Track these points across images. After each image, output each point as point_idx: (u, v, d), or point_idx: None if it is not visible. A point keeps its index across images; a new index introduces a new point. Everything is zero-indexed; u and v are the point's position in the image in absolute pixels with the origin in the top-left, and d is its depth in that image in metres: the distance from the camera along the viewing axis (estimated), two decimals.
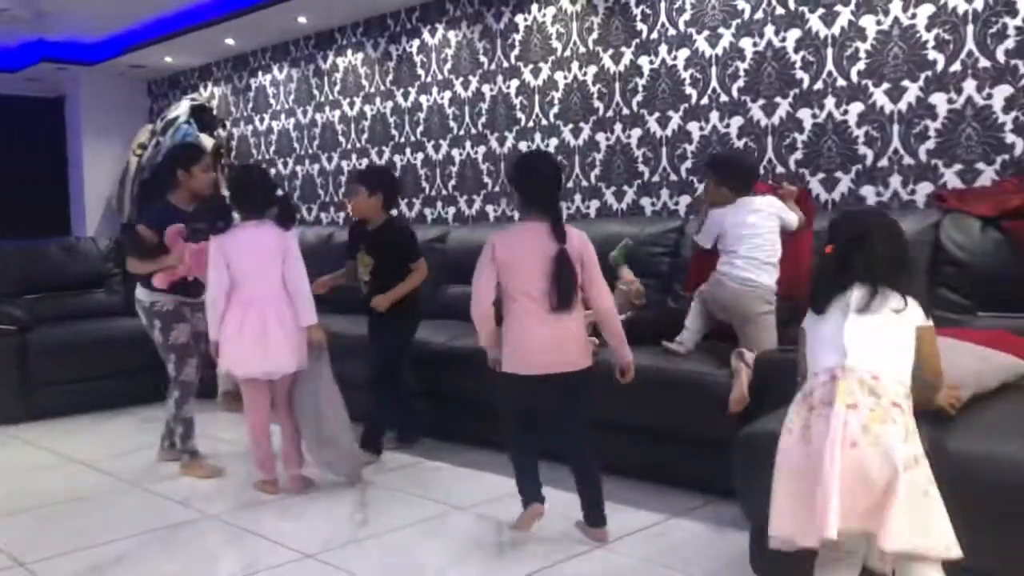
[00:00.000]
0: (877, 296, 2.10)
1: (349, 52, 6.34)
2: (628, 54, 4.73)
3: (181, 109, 7.30)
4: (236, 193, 3.70)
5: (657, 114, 4.64)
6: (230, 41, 6.76)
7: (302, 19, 6.15)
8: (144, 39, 6.80)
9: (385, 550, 2.99)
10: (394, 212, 4.23)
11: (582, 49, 4.94)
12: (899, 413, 1.96)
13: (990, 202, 3.34)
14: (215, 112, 7.49)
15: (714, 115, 4.40)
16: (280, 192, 3.65)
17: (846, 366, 2.02)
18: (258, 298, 3.50)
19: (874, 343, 2.06)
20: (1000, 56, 3.51)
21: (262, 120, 7.16)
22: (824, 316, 2.15)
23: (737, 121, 4.32)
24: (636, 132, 4.73)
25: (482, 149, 5.52)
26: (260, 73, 7.12)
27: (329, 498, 3.56)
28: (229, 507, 3.50)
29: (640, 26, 4.67)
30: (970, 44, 3.58)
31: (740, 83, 4.29)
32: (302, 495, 3.60)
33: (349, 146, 6.43)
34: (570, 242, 2.93)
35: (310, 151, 6.76)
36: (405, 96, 5.98)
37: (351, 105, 6.38)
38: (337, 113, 6.49)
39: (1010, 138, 3.51)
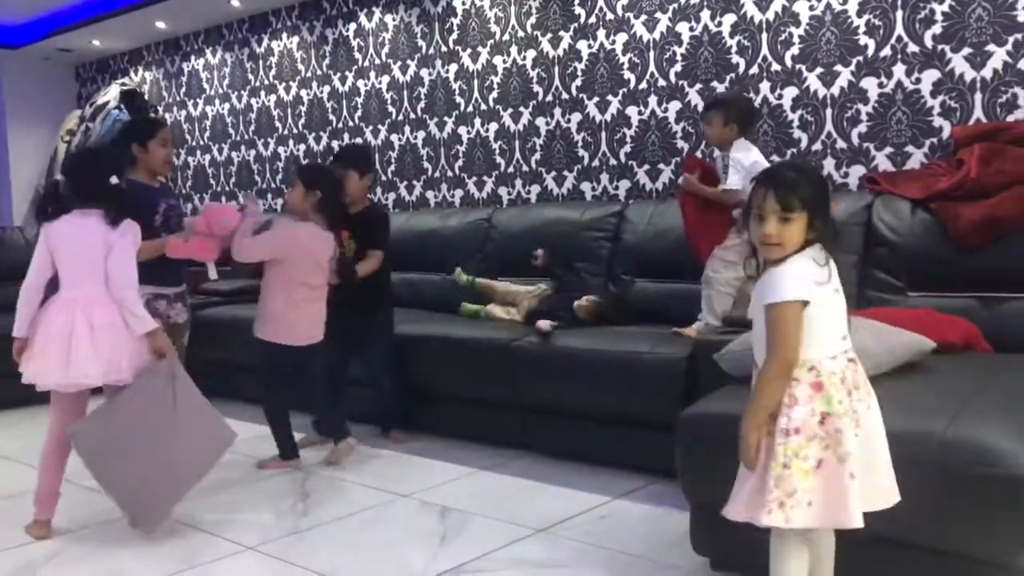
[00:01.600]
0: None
1: (284, 36, 6.22)
2: (567, 38, 4.73)
3: (111, 94, 7.09)
4: (67, 175, 3.18)
5: (596, 98, 4.65)
6: (161, 24, 6.58)
7: (235, 2, 6.01)
8: (71, 21, 6.59)
9: (328, 540, 2.96)
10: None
11: (520, 33, 4.92)
12: None
13: (920, 184, 3.43)
14: (146, 97, 7.29)
15: (652, 99, 4.43)
16: (116, 182, 3.09)
17: (850, 347, 1.98)
18: (71, 299, 2.98)
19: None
20: (928, 41, 3.59)
21: (196, 105, 6.99)
22: (824, 294, 1.93)
23: (675, 105, 4.35)
24: (576, 117, 4.74)
25: (421, 134, 5.47)
26: (193, 57, 6.95)
27: (271, 489, 3.51)
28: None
29: (578, 10, 4.67)
30: (899, 29, 3.66)
31: (678, 67, 4.32)
32: (233, 489, 3.54)
33: (285, 131, 6.32)
34: None
35: (246, 137, 6.63)
36: (342, 81, 5.90)
37: (287, 90, 6.27)
38: (273, 98, 6.38)
39: (938, 121, 3.60)
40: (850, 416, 1.92)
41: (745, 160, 3.36)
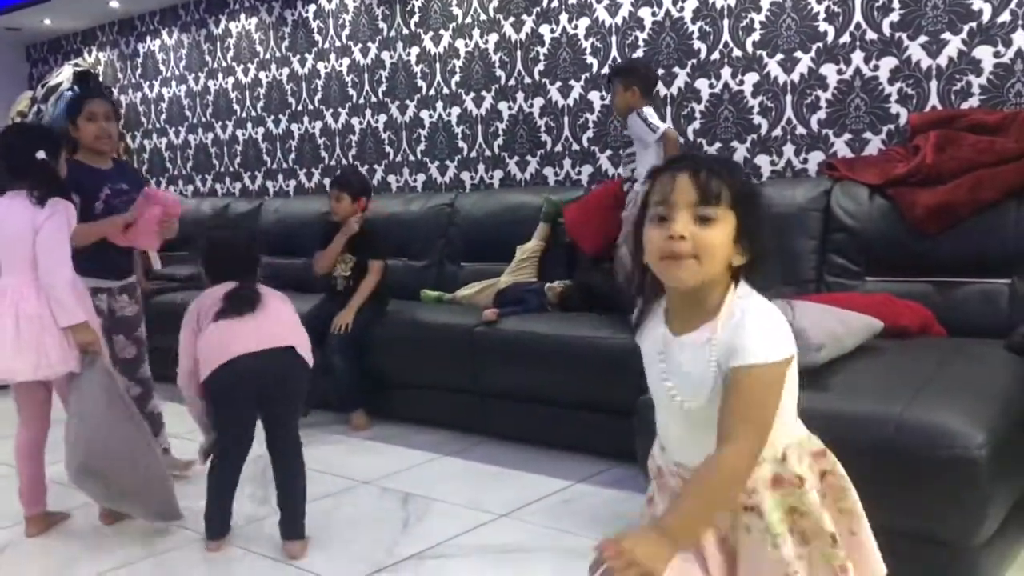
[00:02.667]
0: None
1: (242, 17, 6.12)
2: (529, 22, 4.70)
3: (64, 75, 6.92)
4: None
5: (559, 83, 4.63)
6: (115, 3, 6.43)
7: None
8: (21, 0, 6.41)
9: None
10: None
11: (483, 16, 4.88)
12: None
13: (877, 171, 3.46)
14: (100, 79, 7.13)
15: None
16: (43, 157, 2.88)
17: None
18: (1, 288, 2.83)
19: None
20: (886, 29, 3.63)
21: (151, 87, 6.86)
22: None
23: None
24: (538, 101, 4.72)
25: (383, 118, 5.42)
26: (148, 38, 6.81)
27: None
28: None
29: None
30: (858, 16, 3.69)
31: (640, 53, 4.32)
32: (191, 477, 3.49)
33: (244, 114, 6.22)
34: None
35: (203, 120, 6.51)
36: (302, 63, 5.81)
37: (245, 72, 6.17)
38: (231, 80, 6.27)
39: (895, 108, 3.64)
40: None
41: (651, 116, 3.52)
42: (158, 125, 6.86)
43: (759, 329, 1.31)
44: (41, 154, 2.88)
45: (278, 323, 2.81)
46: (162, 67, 6.75)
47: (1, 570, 2.77)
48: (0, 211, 2.87)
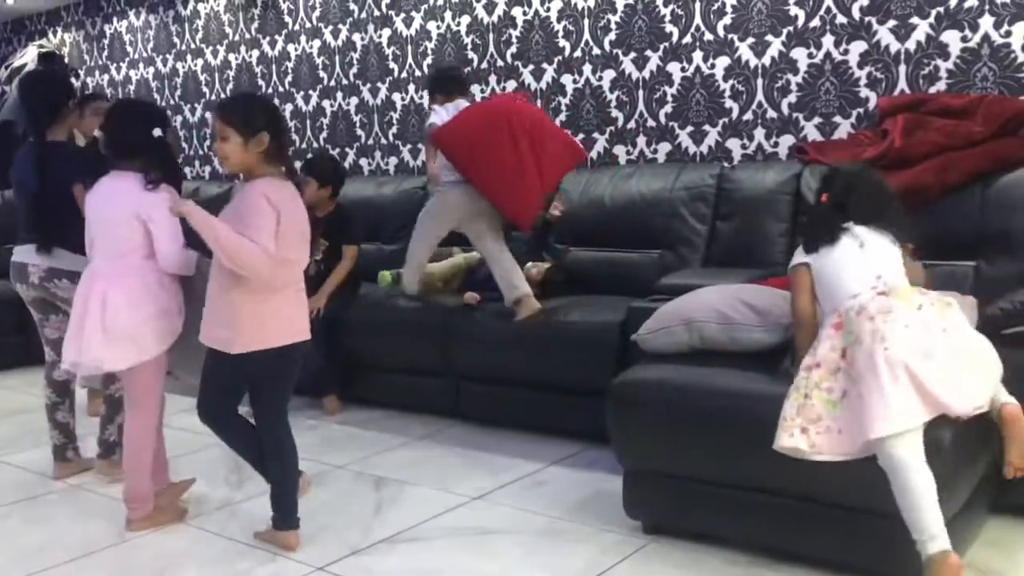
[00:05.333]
0: (876, 232, 2.39)
1: None
2: (501, 4, 4.68)
3: (28, 56, 6.80)
4: (105, 131, 2.86)
5: (532, 66, 4.62)
6: None
7: None
8: None
9: (262, 512, 2.93)
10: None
11: None
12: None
13: (847, 154, 3.49)
14: (66, 60, 7.01)
15: (587, 68, 4.42)
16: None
17: (889, 283, 2.28)
18: (91, 273, 2.76)
19: (894, 266, 2.35)
20: (856, 13, 3.65)
21: (119, 69, 6.75)
22: (832, 252, 2.37)
23: (610, 74, 4.35)
24: (511, 84, 4.70)
25: (354, 100, 5.38)
26: (115, 19, 6.70)
27: (204, 462, 3.45)
28: (92, 477, 3.34)
29: None
30: (828, 1, 3.70)
31: (612, 36, 4.32)
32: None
33: (213, 97, 6.15)
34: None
35: (172, 102, 6.43)
36: (272, 45, 5.75)
37: (214, 54, 6.09)
38: (200, 62, 6.19)
39: (864, 92, 3.67)
40: (866, 339, 2.12)
41: (433, 115, 3.78)
42: None
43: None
44: (158, 131, 2.77)
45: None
46: (129, 48, 6.65)
47: None
48: (104, 190, 2.76)
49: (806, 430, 2.13)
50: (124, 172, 2.76)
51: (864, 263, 2.33)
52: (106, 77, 6.85)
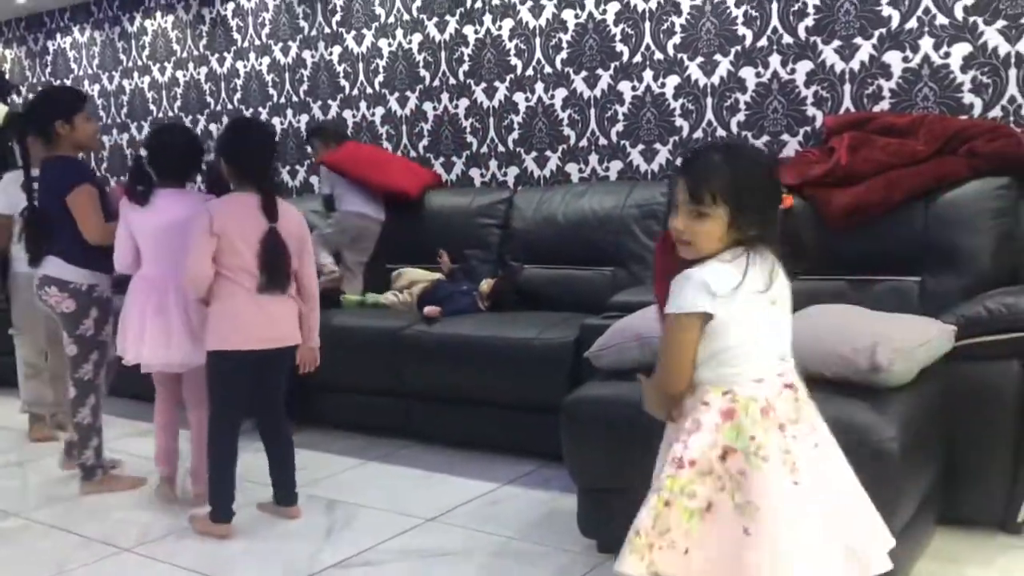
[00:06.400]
0: (784, 275, 1.71)
1: (158, 14, 5.95)
2: (453, 23, 4.68)
3: None
4: (154, 154, 3.14)
5: (484, 84, 4.62)
6: None
7: None
8: None
9: (209, 539, 2.86)
10: None
11: (406, 16, 4.84)
12: None
13: (795, 171, 3.54)
14: (7, 77, 6.84)
15: (539, 86, 4.43)
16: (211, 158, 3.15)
17: (790, 369, 1.71)
18: (163, 278, 3.04)
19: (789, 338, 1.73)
20: (801, 33, 3.71)
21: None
22: (742, 304, 1.62)
23: (561, 93, 4.37)
24: (463, 103, 4.70)
25: (304, 118, 5.33)
26: (59, 35, 6.57)
27: (148, 489, 3.36)
28: (41, 505, 3.24)
29: None
30: (775, 20, 3.77)
31: (564, 55, 4.34)
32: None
33: (160, 114, 6.05)
34: (286, 221, 2.87)
35: (118, 120, 6.31)
36: (220, 62, 5.68)
37: (162, 71, 6.00)
38: (147, 79, 6.09)
39: (811, 111, 3.73)
40: (774, 457, 1.57)
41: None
42: None
43: (678, 286, 1.64)
44: (211, 155, 3.17)
45: (290, 311, 2.93)
46: (74, 65, 6.52)
47: None
48: (162, 205, 3.03)
49: (651, 546, 1.60)
50: (173, 188, 3.09)
51: (775, 332, 1.68)
52: None
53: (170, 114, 5.98)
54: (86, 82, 6.44)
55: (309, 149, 5.01)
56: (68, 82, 6.55)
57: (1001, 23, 3.30)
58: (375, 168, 4.53)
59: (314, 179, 5.36)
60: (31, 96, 4.58)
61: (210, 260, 2.78)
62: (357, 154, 4.65)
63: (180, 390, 3.23)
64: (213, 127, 5.76)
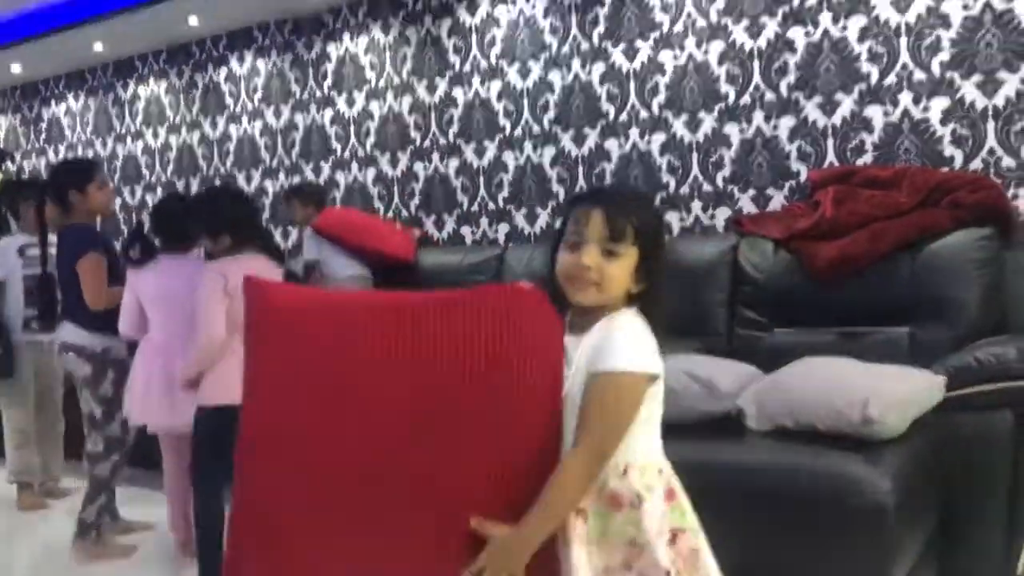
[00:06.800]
0: None
1: (151, 81, 6.04)
2: (442, 85, 4.77)
3: None
4: (155, 220, 3.36)
5: (474, 144, 4.69)
6: (16, 68, 6.28)
7: (99, 46, 5.80)
8: None
9: None
10: None
11: (396, 80, 4.93)
12: None
13: (781, 225, 3.59)
14: (1, 144, 6.92)
15: (528, 145, 4.50)
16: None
17: None
18: (168, 343, 3.15)
19: None
20: (783, 90, 3.79)
21: (56, 152, 6.68)
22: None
23: (550, 151, 4.43)
24: (454, 162, 4.76)
25: (297, 179, 5.39)
26: (53, 102, 6.66)
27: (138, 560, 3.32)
28: None
29: (453, 58, 4.72)
30: (757, 78, 3.85)
31: (551, 114, 4.42)
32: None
33: (153, 179, 6.11)
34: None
35: (112, 184, 6.36)
36: (213, 126, 5.76)
37: (155, 136, 6.07)
38: (140, 144, 6.16)
39: (795, 166, 3.79)
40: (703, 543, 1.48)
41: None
42: None
43: (625, 339, 1.42)
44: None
45: None
46: (68, 132, 6.60)
47: None
48: (170, 271, 3.15)
49: None
50: (178, 255, 3.23)
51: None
52: (43, 160, 6.77)
53: (163, 179, 6.04)
54: (80, 148, 6.51)
55: (287, 208, 4.94)
56: (62, 148, 6.62)
57: (977, 77, 3.37)
58: (368, 234, 4.56)
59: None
60: (48, 168, 4.68)
61: (224, 321, 2.82)
62: (347, 219, 4.71)
63: (188, 453, 3.21)
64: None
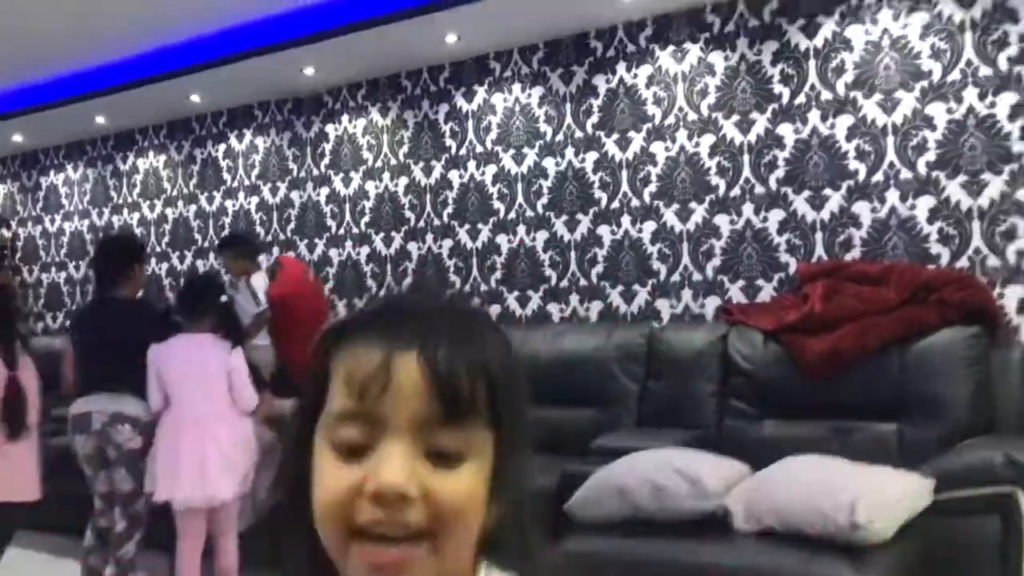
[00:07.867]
0: None
1: (151, 154, 6.12)
2: (438, 168, 4.84)
3: None
4: (180, 296, 3.60)
5: (468, 226, 4.74)
6: (18, 138, 6.36)
7: (100, 119, 5.89)
8: None
9: None
10: None
11: (393, 161, 5.01)
12: None
13: (770, 317, 3.62)
14: None
15: (521, 228, 4.55)
16: (225, 300, 3.51)
17: None
18: (194, 417, 3.22)
19: None
20: (773, 184, 3.86)
21: (53, 221, 6.72)
22: None
23: (543, 235, 4.48)
24: (447, 243, 4.81)
25: (291, 255, 5.42)
26: (52, 171, 6.72)
27: None
28: None
29: (449, 142, 4.80)
30: (747, 171, 3.92)
31: (544, 200, 4.48)
32: None
33: (148, 250, 6.13)
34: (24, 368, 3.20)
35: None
36: (210, 200, 5.81)
37: (151, 208, 6.12)
38: (136, 216, 6.21)
39: (784, 257, 3.83)
40: None
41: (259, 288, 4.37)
42: (58, 259, 6.70)
43: None
44: (225, 298, 3.44)
45: None
46: (65, 201, 6.65)
47: None
48: (191, 348, 3.25)
49: None
50: (198, 333, 3.31)
51: None
52: (39, 228, 6.81)
53: (158, 249, 6.06)
54: (76, 217, 6.56)
55: (217, 261, 4.94)
56: (57, 217, 6.66)
57: (962, 178, 3.45)
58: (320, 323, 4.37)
59: None
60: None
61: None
62: (306, 296, 4.55)
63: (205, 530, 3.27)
64: (200, 263, 5.84)
